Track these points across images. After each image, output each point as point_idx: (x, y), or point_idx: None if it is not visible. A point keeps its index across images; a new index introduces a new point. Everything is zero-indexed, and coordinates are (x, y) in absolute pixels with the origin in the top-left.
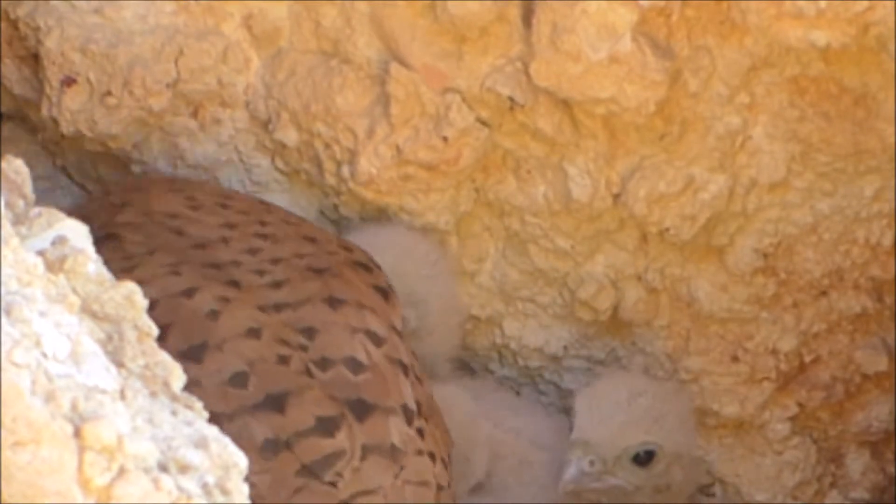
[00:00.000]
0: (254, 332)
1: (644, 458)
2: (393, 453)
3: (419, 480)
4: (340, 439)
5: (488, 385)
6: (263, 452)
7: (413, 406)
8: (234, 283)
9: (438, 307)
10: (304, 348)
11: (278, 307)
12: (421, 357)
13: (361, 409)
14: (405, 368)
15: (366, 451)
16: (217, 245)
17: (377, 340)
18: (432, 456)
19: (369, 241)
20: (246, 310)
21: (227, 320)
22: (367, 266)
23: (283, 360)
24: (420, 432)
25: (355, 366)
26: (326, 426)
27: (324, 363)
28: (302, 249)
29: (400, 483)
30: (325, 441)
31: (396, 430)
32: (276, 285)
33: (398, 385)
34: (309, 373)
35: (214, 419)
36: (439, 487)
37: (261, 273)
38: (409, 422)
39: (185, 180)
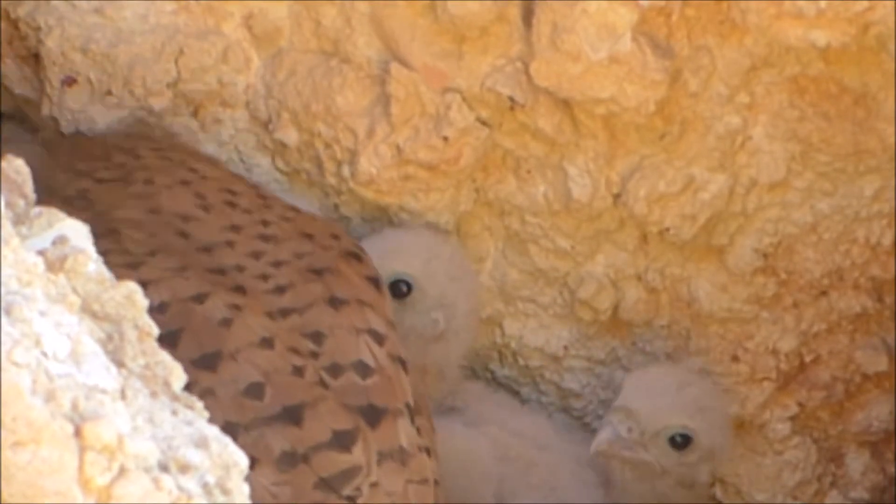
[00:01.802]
0: (267, 342)
1: (681, 442)
2: (402, 456)
3: (420, 479)
4: (357, 454)
5: (489, 388)
6: (280, 465)
7: (412, 402)
8: (240, 289)
9: (464, 310)
10: (314, 355)
11: (284, 313)
12: (440, 359)
13: (373, 416)
14: (404, 364)
15: (380, 458)
16: (222, 249)
17: (380, 339)
18: (427, 451)
19: (393, 245)
20: (256, 318)
21: (239, 329)
22: (357, 255)
23: (298, 370)
24: (418, 430)
25: (364, 370)
26: (342, 440)
27: (334, 370)
28: (301, 248)
29: (405, 483)
30: (341, 456)
31: (404, 432)
32: (280, 290)
33: (401, 384)
34: (322, 383)
35: (229, 429)
36: (435, 483)
37: (265, 278)
38: (412, 420)
39: (181, 148)
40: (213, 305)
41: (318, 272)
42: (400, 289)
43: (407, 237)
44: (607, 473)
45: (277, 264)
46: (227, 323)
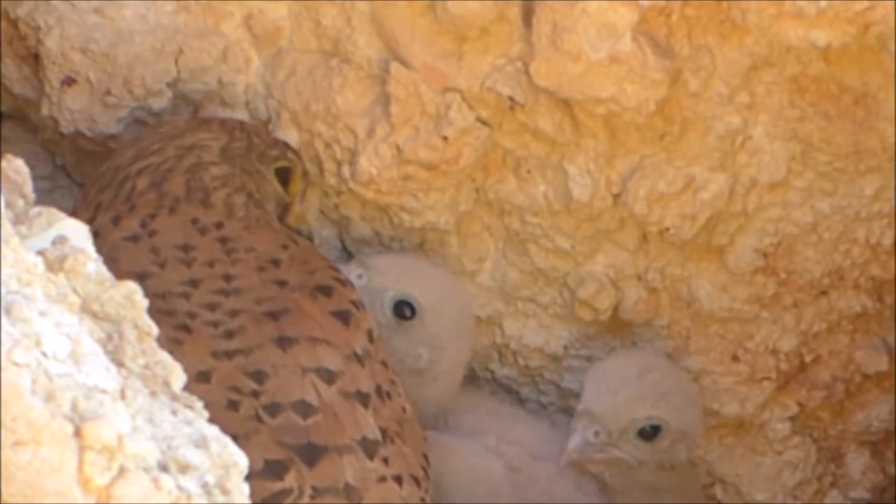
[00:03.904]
0: (203, 376)
1: (650, 433)
2: (348, 492)
3: None
4: (289, 481)
5: (486, 393)
6: None
7: (375, 435)
8: (185, 328)
9: (451, 361)
10: (255, 394)
11: (230, 354)
12: (418, 397)
13: (311, 454)
14: (364, 398)
15: (317, 491)
16: (177, 298)
17: (330, 377)
18: (398, 479)
19: (417, 270)
20: (196, 353)
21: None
22: (328, 288)
23: (233, 405)
24: (385, 460)
25: (305, 409)
26: (274, 469)
27: (273, 409)
28: (264, 294)
29: None
30: (273, 483)
31: (351, 468)
32: (230, 334)
33: (354, 419)
34: (258, 418)
35: None
36: None
37: (215, 325)
38: (371, 454)
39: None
40: None
41: (273, 315)
42: (403, 310)
43: (433, 271)
44: (595, 475)
45: (234, 314)
46: None
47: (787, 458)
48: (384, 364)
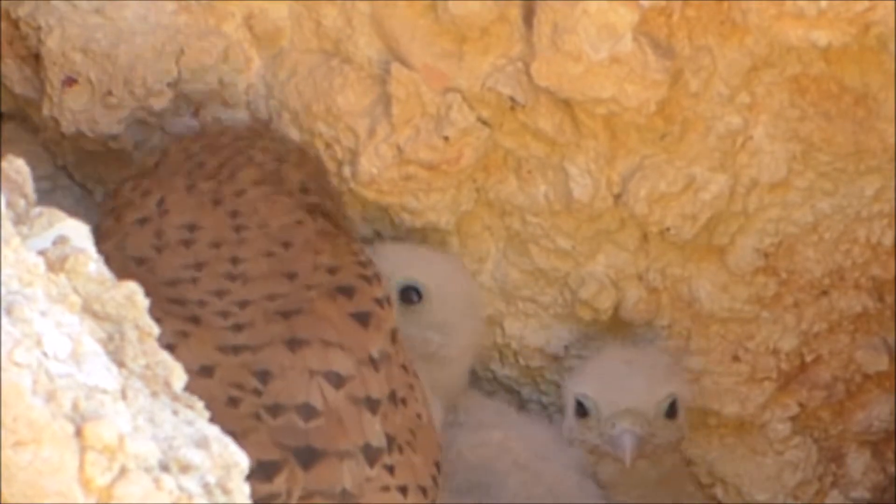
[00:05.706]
0: (206, 371)
1: (671, 410)
2: (343, 497)
3: None
4: (277, 484)
5: (492, 396)
6: None
7: (380, 443)
8: (195, 319)
9: (461, 345)
10: (257, 392)
11: (237, 349)
12: (435, 381)
13: (308, 457)
14: (373, 404)
15: (308, 493)
16: (186, 284)
17: (339, 381)
18: (403, 490)
19: (418, 257)
20: (202, 347)
21: (180, 355)
22: (350, 289)
23: (233, 401)
24: (390, 469)
25: (308, 412)
26: (266, 470)
27: (275, 409)
28: (277, 289)
29: None
30: (262, 485)
31: (350, 474)
32: (238, 328)
33: (360, 425)
34: (258, 417)
35: None
36: None
37: (225, 315)
38: (372, 461)
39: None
40: (160, 332)
41: (285, 314)
42: (410, 296)
43: (436, 256)
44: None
45: (243, 304)
46: (169, 349)
47: (787, 458)
48: (405, 368)
